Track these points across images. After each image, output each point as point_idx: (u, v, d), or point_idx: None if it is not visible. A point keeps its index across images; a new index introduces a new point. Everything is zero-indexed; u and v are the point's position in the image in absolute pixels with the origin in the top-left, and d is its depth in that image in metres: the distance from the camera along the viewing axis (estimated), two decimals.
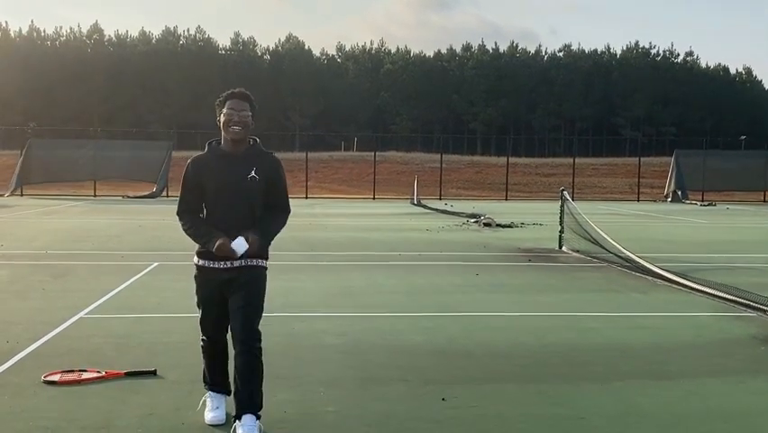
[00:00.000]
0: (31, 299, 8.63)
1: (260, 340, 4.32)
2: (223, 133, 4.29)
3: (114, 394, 5.08)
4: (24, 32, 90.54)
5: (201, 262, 4.38)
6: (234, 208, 4.26)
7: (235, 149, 4.28)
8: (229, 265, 4.27)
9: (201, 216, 4.39)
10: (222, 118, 4.25)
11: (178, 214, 4.39)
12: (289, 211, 4.50)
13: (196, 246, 4.38)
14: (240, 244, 4.19)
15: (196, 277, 4.46)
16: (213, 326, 4.51)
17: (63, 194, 37.70)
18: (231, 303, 4.31)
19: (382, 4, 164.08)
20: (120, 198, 36.14)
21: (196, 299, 4.49)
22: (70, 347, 6.38)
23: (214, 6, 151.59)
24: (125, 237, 16.24)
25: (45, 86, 79.97)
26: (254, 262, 4.32)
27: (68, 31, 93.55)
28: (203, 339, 4.62)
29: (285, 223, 4.48)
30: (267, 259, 4.44)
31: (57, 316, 7.58)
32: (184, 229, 4.37)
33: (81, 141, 41.09)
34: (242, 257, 4.27)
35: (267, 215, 4.37)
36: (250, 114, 4.27)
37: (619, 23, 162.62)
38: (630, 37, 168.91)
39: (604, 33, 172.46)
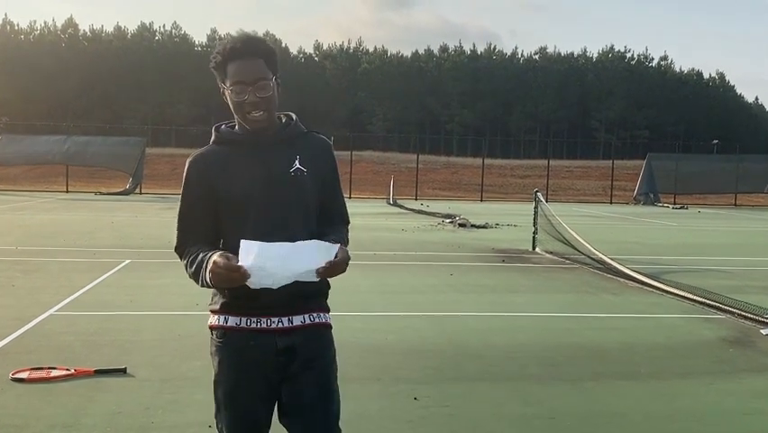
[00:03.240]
0: (0, 296, 8.53)
1: None
2: (236, 116, 2.59)
3: (83, 392, 5.02)
4: None
5: (232, 322, 2.55)
6: (278, 225, 2.50)
7: (262, 133, 2.57)
8: (286, 324, 2.54)
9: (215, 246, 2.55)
10: (228, 97, 2.53)
11: (176, 250, 2.65)
12: (349, 221, 2.83)
13: (213, 300, 2.63)
14: (315, 250, 2.39)
15: (218, 351, 2.60)
16: None
17: (35, 190, 37.29)
18: (290, 395, 2.58)
19: (340, 3, 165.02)
20: (93, 194, 35.78)
21: (216, 395, 2.68)
22: (39, 344, 6.30)
23: (190, 2, 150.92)
24: (97, 234, 16.08)
25: (18, 81, 79.01)
26: (321, 317, 2.64)
27: (43, 25, 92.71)
28: None
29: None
30: (329, 310, 2.73)
31: (26, 312, 7.48)
32: (187, 272, 2.57)
33: (54, 136, 40.61)
34: (306, 308, 2.59)
35: (324, 231, 2.62)
36: (272, 80, 2.52)
37: (584, 25, 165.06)
38: (604, 41, 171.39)
39: (568, 35, 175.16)
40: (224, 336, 2.57)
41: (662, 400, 5.25)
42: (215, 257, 2.35)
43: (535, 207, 15.19)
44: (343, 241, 2.60)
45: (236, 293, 2.47)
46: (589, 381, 5.70)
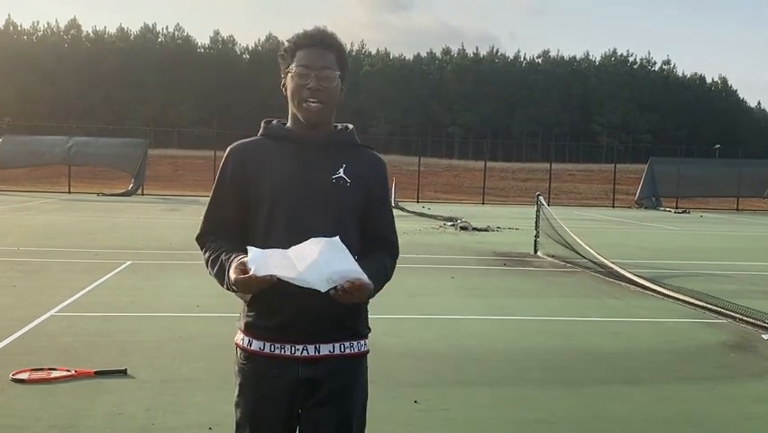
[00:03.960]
0: (1, 296, 8.51)
1: None
2: (291, 107, 2.42)
3: (84, 393, 5.02)
4: (1, 26, 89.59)
5: (255, 346, 2.37)
6: (306, 234, 2.17)
7: (312, 132, 2.40)
8: (312, 353, 2.34)
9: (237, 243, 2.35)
10: (289, 83, 2.38)
11: (197, 239, 2.48)
12: (398, 253, 2.59)
13: (241, 315, 2.44)
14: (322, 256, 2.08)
15: (240, 373, 2.41)
16: None
17: (37, 190, 37.34)
18: (307, 427, 2.40)
19: (338, 5, 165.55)
20: (95, 195, 35.79)
21: (236, 414, 2.42)
22: (40, 345, 6.30)
23: (193, 4, 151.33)
24: (99, 235, 16.08)
25: (21, 81, 79.10)
26: (353, 346, 2.42)
27: (46, 26, 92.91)
28: None
29: (391, 273, 2.52)
30: (368, 335, 2.51)
31: (27, 313, 7.48)
32: (205, 262, 2.40)
33: (56, 137, 40.65)
34: (333, 327, 2.36)
35: (363, 254, 2.38)
36: (337, 74, 2.39)
37: (586, 29, 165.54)
38: (606, 44, 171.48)
39: (569, 39, 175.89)
40: (247, 360, 2.40)
41: (663, 405, 5.24)
42: (231, 271, 2.17)
43: (537, 211, 15.18)
44: (378, 275, 2.34)
45: (259, 311, 2.34)
46: (589, 385, 5.69)
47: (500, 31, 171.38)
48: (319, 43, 2.37)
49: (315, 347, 2.33)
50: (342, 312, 2.29)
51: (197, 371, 5.56)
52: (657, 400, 5.36)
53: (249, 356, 2.38)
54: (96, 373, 5.43)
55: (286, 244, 2.16)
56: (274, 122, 2.49)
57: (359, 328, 2.44)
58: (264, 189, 2.35)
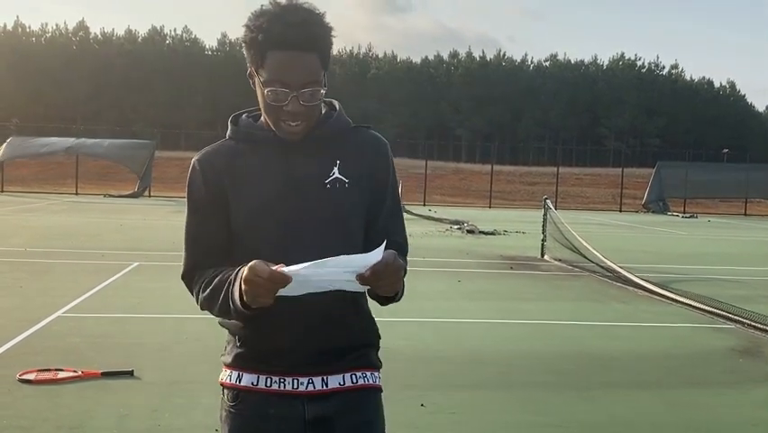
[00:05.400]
0: (8, 297, 8.54)
1: None
2: (265, 116, 1.90)
3: (90, 394, 5.02)
4: (9, 27, 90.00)
5: (246, 381, 1.96)
6: (306, 253, 1.75)
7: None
8: (319, 387, 1.92)
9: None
10: (258, 89, 1.86)
11: (183, 278, 2.04)
12: (407, 250, 2.18)
13: (226, 347, 2.06)
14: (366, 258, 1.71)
15: (228, 419, 2.02)
16: None
17: (44, 191, 37.46)
18: None
19: (338, 8, 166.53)
20: (101, 196, 35.90)
21: None
22: (47, 346, 6.31)
23: (200, 7, 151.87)
24: (106, 236, 16.12)
25: (29, 83, 79.40)
26: (366, 377, 2.01)
27: (54, 27, 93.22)
28: None
29: (404, 275, 1.93)
30: (381, 367, 2.09)
31: (34, 314, 7.49)
32: (198, 300, 1.95)
33: (63, 138, 40.78)
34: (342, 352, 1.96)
35: None
36: (322, 81, 1.84)
37: (590, 32, 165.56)
38: (614, 48, 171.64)
39: (570, 42, 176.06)
40: (237, 400, 1.96)
41: (670, 410, 5.22)
42: (257, 263, 1.67)
43: (544, 214, 15.16)
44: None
45: (251, 336, 1.91)
46: (597, 389, 5.67)
47: (499, 34, 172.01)
48: (299, 45, 1.78)
49: (323, 380, 1.92)
50: (349, 342, 1.97)
51: (204, 372, 5.54)
52: (665, 404, 5.34)
53: (239, 396, 1.95)
54: (103, 373, 5.43)
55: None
56: (243, 117, 1.99)
57: (371, 357, 2.04)
58: (243, 210, 1.88)
